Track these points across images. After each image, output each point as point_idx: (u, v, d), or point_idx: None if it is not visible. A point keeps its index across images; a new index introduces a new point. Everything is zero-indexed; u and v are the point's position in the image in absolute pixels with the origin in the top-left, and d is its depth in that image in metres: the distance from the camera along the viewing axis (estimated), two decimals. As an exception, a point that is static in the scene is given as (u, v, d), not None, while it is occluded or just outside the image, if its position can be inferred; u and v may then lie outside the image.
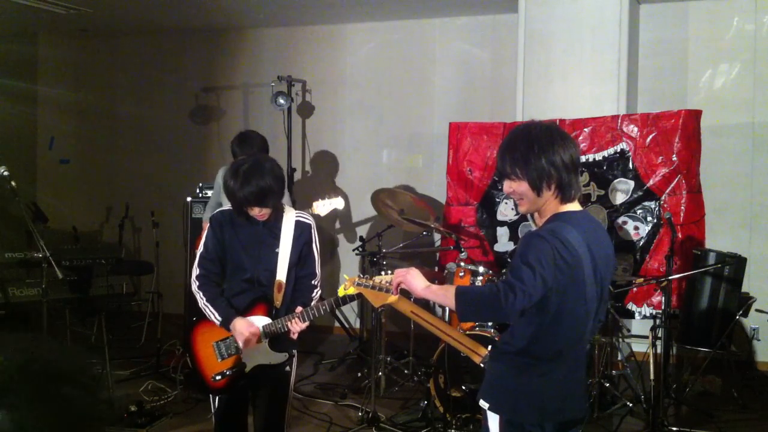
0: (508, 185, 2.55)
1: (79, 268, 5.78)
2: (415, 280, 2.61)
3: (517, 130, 2.57)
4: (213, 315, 3.37)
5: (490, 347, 2.73)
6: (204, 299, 3.40)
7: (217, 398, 3.51)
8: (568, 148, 2.48)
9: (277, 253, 3.40)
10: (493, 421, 2.55)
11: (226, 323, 3.34)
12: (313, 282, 3.51)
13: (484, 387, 2.63)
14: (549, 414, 2.52)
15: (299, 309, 3.36)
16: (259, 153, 4.86)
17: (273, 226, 3.42)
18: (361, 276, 2.74)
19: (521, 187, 2.50)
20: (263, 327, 3.36)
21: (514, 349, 2.52)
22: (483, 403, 2.58)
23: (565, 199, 2.51)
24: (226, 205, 3.55)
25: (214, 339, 3.44)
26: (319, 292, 3.52)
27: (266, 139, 5.38)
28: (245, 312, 3.38)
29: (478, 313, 2.64)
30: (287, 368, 3.49)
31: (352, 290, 2.71)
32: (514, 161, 2.49)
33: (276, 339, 3.39)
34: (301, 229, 3.46)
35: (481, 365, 2.78)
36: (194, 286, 3.44)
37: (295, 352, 3.54)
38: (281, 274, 3.39)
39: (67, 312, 5.42)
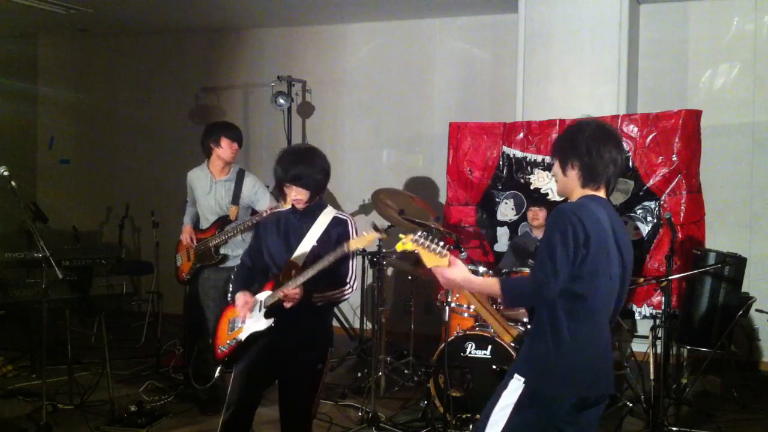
0: (553, 169, 2.80)
1: (79, 268, 5.75)
2: (453, 274, 2.72)
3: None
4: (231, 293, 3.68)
5: (528, 327, 2.82)
6: (232, 278, 3.74)
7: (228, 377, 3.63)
8: (606, 143, 2.65)
9: (304, 239, 3.48)
10: (514, 392, 2.63)
11: (233, 298, 3.59)
12: (347, 279, 3.49)
13: (519, 362, 2.72)
14: (583, 387, 2.63)
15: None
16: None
17: (309, 221, 3.51)
18: (421, 233, 2.75)
19: (555, 166, 2.74)
20: (264, 298, 3.47)
21: (549, 329, 2.61)
22: (518, 377, 2.65)
23: (588, 181, 2.65)
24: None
25: (233, 316, 3.63)
26: (350, 290, 3.48)
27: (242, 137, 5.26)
28: (261, 289, 3.52)
29: (521, 300, 2.80)
30: (319, 366, 3.64)
31: (410, 245, 2.72)
32: (555, 144, 2.78)
33: (273, 309, 3.44)
34: (336, 222, 3.52)
35: (512, 345, 2.84)
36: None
37: (331, 349, 3.71)
38: (298, 255, 3.45)
39: (67, 312, 5.40)
